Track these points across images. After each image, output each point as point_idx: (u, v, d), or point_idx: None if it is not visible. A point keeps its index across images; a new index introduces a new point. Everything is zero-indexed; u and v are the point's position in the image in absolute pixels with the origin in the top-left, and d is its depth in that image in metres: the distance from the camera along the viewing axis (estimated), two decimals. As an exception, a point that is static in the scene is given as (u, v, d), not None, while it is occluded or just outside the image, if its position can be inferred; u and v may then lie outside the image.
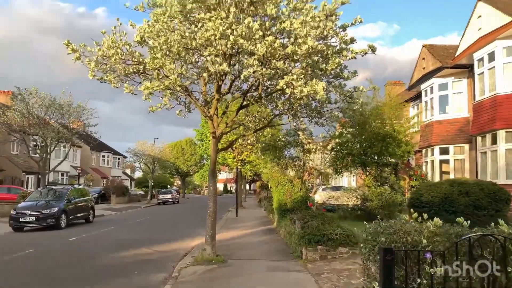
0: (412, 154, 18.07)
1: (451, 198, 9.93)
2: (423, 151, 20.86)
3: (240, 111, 10.62)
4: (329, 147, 13.48)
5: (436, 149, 19.59)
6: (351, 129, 16.18)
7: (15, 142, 28.23)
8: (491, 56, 15.21)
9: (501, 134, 14.48)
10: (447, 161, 19.54)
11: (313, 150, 10.25)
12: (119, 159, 58.97)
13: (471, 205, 9.85)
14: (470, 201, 9.87)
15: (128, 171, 72.08)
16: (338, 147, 16.25)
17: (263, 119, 11.10)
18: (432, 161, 20.07)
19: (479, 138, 16.10)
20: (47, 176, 38.97)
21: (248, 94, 9.77)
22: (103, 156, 54.90)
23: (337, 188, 26.76)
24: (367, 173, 16.66)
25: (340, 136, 15.62)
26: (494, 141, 14.89)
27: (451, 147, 19.28)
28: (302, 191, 15.87)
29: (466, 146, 18.73)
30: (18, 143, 28.13)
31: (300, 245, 9.78)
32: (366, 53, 8.81)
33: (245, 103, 9.53)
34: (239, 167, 29.00)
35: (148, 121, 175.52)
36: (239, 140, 29.33)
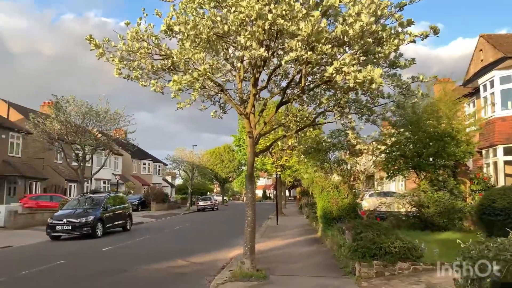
0: (474, 154, 16.20)
1: (536, 204, 8.33)
2: (484, 152, 18.75)
3: (279, 109, 9.56)
4: (379, 149, 12.03)
5: (500, 149, 17.49)
6: (403, 129, 14.62)
7: (56, 151, 28.55)
8: None
9: None
10: (512, 163, 17.41)
11: (365, 151, 8.91)
12: (159, 166, 59.50)
13: None
14: None
15: (169, 178, 72.84)
16: (390, 149, 14.73)
17: (305, 118, 9.94)
18: (495, 163, 17.96)
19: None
20: (89, 184, 39.68)
21: (288, 91, 8.66)
22: (144, 164, 55.52)
23: (385, 194, 24.96)
24: (422, 177, 15.01)
25: (396, 135, 14.07)
26: None
27: (518, 146, 17.14)
28: (350, 197, 14.48)
29: (537, 145, 16.59)
30: (58, 152, 28.43)
31: (352, 259, 8.48)
32: (427, 36, 7.49)
33: (284, 99, 8.41)
34: (278, 172, 27.84)
35: (188, 129, 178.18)
36: (279, 142, 28.27)
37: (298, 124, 9.80)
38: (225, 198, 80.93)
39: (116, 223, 18.57)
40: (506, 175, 17.64)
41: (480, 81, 19.04)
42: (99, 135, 25.62)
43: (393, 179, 17.57)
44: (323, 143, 13.31)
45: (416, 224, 14.46)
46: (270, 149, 29.36)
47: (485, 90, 18.88)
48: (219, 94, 9.00)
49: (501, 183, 17.05)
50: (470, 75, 19.68)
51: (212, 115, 9.52)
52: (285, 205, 42.47)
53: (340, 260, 9.84)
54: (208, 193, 66.26)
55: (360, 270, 8.11)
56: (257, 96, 8.25)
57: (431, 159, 14.51)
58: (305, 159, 16.11)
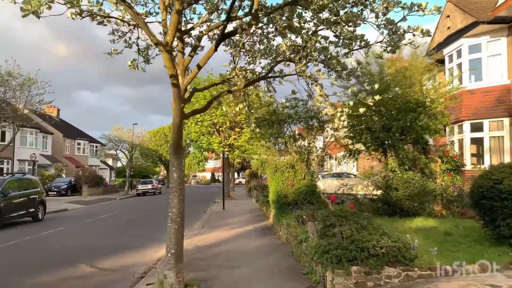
0: (450, 127, 14.44)
1: (553, 185, 6.33)
2: (447, 128, 17.19)
3: (224, 44, 6.78)
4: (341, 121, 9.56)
5: (467, 125, 15.98)
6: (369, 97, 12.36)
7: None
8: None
9: None
10: (479, 140, 15.96)
11: (338, 114, 6.40)
12: (96, 147, 54.38)
13: None
14: None
15: (109, 161, 67.60)
16: (355, 120, 12.48)
17: (258, 74, 7.26)
18: (461, 140, 16.48)
19: (533, 107, 12.52)
20: (9, 165, 34.70)
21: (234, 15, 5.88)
22: (79, 144, 50.23)
23: (338, 175, 23.13)
24: (391, 154, 12.96)
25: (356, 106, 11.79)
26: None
27: (485, 122, 15.67)
28: (307, 178, 12.13)
29: (506, 120, 15.15)
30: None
31: (321, 264, 6.04)
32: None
33: (228, 31, 5.63)
34: (226, 152, 25.16)
35: (136, 110, 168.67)
36: (227, 119, 25.45)
37: (247, 79, 7.13)
38: (168, 181, 77.31)
39: (21, 212, 14.97)
40: (471, 154, 16.25)
41: (446, 51, 17.38)
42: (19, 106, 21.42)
43: (346, 159, 15.45)
44: (281, 110, 10.72)
45: (382, 209, 12.45)
46: (218, 127, 26.63)
47: (451, 60, 17.26)
48: (135, 31, 6.12)
49: (467, 162, 15.59)
50: (435, 44, 17.92)
51: (130, 66, 6.63)
52: (233, 188, 40.07)
53: (302, 261, 7.40)
54: (155, 176, 62.39)
55: (333, 280, 5.69)
56: (183, 8, 5.36)
57: (403, 134, 12.46)
58: (257, 134, 13.49)
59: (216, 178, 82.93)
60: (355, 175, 23.47)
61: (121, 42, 6.39)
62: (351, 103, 6.71)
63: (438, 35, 18.43)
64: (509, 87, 15.11)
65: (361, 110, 6.61)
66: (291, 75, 6.73)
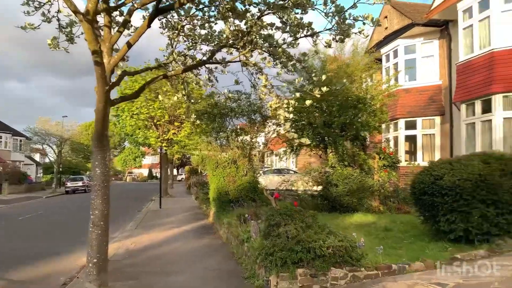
0: (388, 124, 14.74)
1: (490, 181, 6.42)
2: (383, 125, 17.67)
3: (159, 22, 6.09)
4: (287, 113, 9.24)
5: (401, 123, 16.52)
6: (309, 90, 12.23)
7: None
8: (485, 3, 12.09)
9: (498, 99, 11.48)
10: (413, 137, 16.57)
11: (284, 106, 6.00)
12: (21, 141, 49.95)
13: (518, 192, 6.46)
14: (519, 187, 6.47)
15: (36, 156, 62.58)
16: (295, 117, 12.26)
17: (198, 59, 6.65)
18: (396, 137, 17.01)
19: (463, 107, 13.10)
20: None
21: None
22: (0, 138, 45.83)
23: (279, 171, 23.10)
24: (331, 150, 12.95)
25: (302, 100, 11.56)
26: (488, 109, 11.88)
27: (419, 120, 16.30)
28: (250, 174, 11.72)
29: (438, 119, 15.86)
30: None
31: (265, 267, 5.61)
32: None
33: (162, 6, 4.97)
34: (164, 147, 24.05)
35: (68, 103, 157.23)
36: (165, 113, 24.28)
37: (186, 65, 6.50)
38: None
39: None
40: (405, 151, 16.82)
41: (383, 50, 17.84)
42: None
43: (288, 155, 15.30)
44: (223, 102, 10.14)
45: (322, 205, 12.42)
46: (155, 121, 25.35)
47: (388, 60, 17.75)
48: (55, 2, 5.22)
49: (402, 159, 16.11)
50: (373, 43, 18.35)
51: (50, 45, 5.68)
52: (172, 185, 38.80)
53: (244, 264, 6.93)
54: (88, 172, 58.74)
55: (278, 284, 5.28)
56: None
57: (344, 130, 12.47)
58: (197, 128, 12.83)
59: (154, 174, 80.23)
60: (295, 171, 23.58)
61: (39, 16, 5.45)
62: (297, 94, 6.33)
63: (376, 34, 18.90)
64: (440, 87, 15.82)
65: (308, 102, 6.25)
66: (234, 62, 6.21)
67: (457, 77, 13.46)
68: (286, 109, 6.18)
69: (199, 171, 33.60)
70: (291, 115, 6.27)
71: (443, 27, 15.37)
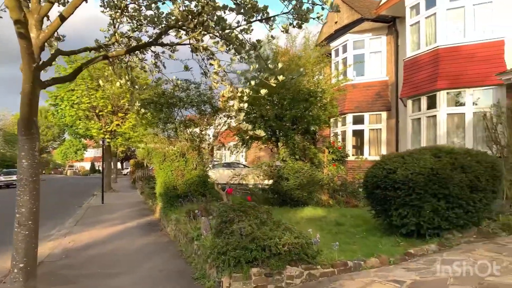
0: (338, 118, 14.83)
1: (442, 175, 6.49)
2: (332, 120, 17.89)
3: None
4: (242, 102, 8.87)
5: (350, 118, 16.77)
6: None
7: None
8: (432, 1, 12.43)
9: (442, 95, 11.89)
10: (360, 132, 16.89)
11: (235, 97, 5.62)
12: None
13: (467, 186, 6.57)
14: (468, 180, 6.58)
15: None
16: (247, 109, 11.95)
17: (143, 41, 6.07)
18: (344, 132, 17.26)
19: (409, 102, 13.47)
20: None
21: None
22: None
23: (229, 165, 22.76)
24: (282, 144, 12.79)
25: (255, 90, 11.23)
26: (433, 104, 12.28)
27: (366, 115, 16.64)
28: (200, 168, 11.25)
29: (384, 114, 16.27)
30: None
31: (216, 267, 5.24)
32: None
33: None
34: (107, 139, 22.76)
35: (5, 90, 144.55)
36: (108, 103, 22.93)
37: (129, 46, 5.92)
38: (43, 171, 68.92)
39: None
40: (352, 145, 17.12)
41: (333, 44, 17.99)
42: None
43: (238, 148, 14.98)
44: (171, 90, 9.53)
45: (272, 200, 12.26)
46: (97, 111, 23.87)
47: (337, 54, 17.92)
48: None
49: (349, 153, 16.38)
50: (323, 37, 18.44)
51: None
52: (116, 179, 37.13)
53: (193, 263, 6.51)
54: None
55: (231, 286, 4.93)
56: None
57: (296, 123, 12.34)
58: (142, 118, 12.10)
59: (97, 168, 76.60)
60: (245, 165, 23.34)
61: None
62: (252, 83, 5.98)
63: (326, 28, 19.01)
64: (387, 83, 16.22)
65: (263, 91, 5.92)
66: (183, 45, 5.73)
67: (404, 73, 13.81)
68: (240, 99, 5.81)
69: (145, 165, 32.34)
70: (246, 105, 5.90)
71: (391, 23, 15.72)
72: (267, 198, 12.42)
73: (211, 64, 6.05)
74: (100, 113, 23.94)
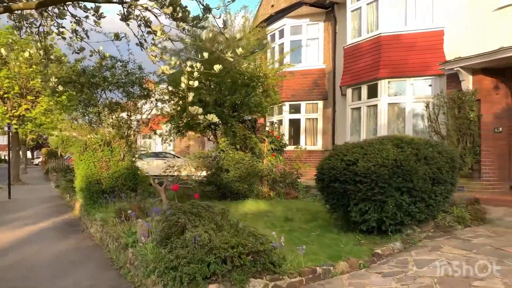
0: (279, 105, 14.17)
1: (406, 167, 6.07)
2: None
3: None
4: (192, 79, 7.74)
5: (286, 106, 16.30)
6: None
7: None
8: (374, -13, 12.24)
9: (384, 84, 11.79)
10: (296, 121, 16.53)
11: (187, 70, 4.54)
12: None
13: (429, 178, 6.25)
14: (431, 172, 6.26)
15: None
16: (181, 94, 10.76)
17: None
18: (280, 121, 16.80)
19: (349, 91, 13.28)
20: None
21: None
22: None
23: (157, 155, 21.22)
24: (221, 132, 11.84)
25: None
26: (374, 93, 12.15)
27: (303, 104, 16.31)
28: (128, 158, 9.91)
29: (320, 103, 16.05)
30: None
31: (164, 285, 4.22)
32: None
33: None
34: (13, 125, 19.86)
35: None
36: (15, 84, 19.99)
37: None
38: None
39: None
40: (289, 136, 16.70)
41: (270, 28, 17.31)
42: None
43: (171, 136, 13.71)
44: (94, 68, 8.05)
45: (211, 193, 11.33)
46: (1, 93, 20.69)
47: (274, 40, 17.31)
48: None
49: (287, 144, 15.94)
50: (259, 20, 17.67)
51: None
52: (25, 170, 33.34)
53: (129, 275, 5.38)
54: None
55: (183, 308, 3.96)
56: None
57: (236, 110, 11.44)
58: (57, 103, 10.36)
59: (3, 157, 68.67)
60: (174, 155, 21.98)
61: None
62: (205, 55, 4.93)
63: (261, 11, 18.28)
64: (324, 71, 15.99)
65: (217, 67, 4.91)
66: (114, 2, 4.54)
67: (344, 61, 13.57)
68: (190, 75, 4.75)
69: (59, 154, 29.32)
70: (196, 83, 4.83)
71: (329, 9, 15.42)
72: (204, 191, 11.43)
73: (149, 33, 4.92)
74: (5, 96, 20.82)
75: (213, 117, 4.71)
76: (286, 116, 16.54)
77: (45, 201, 14.52)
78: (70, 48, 5.34)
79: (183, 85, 4.82)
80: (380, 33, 11.90)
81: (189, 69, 4.73)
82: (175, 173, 12.09)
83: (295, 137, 16.61)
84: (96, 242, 7.82)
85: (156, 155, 21.07)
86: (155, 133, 12.11)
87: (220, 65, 4.68)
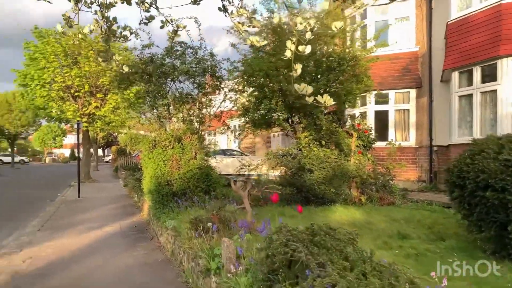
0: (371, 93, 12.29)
1: None
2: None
3: None
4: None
5: (371, 96, 14.24)
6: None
7: None
8: None
9: (506, 64, 9.44)
10: (382, 113, 14.44)
11: (294, 31, 3.06)
12: None
13: None
14: None
15: None
16: (260, 81, 9.34)
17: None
18: (364, 113, 14.78)
19: (455, 75, 11.01)
20: None
21: None
22: None
23: (224, 152, 20.03)
24: (304, 126, 10.22)
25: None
26: (491, 76, 9.84)
27: (391, 94, 14.17)
28: (200, 157, 8.61)
29: (413, 92, 13.82)
30: None
31: None
32: None
33: None
34: (84, 123, 19.81)
35: None
36: (85, 83, 19.99)
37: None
38: (24, 158, 64.91)
39: None
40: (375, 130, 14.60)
41: (351, 9, 15.33)
42: None
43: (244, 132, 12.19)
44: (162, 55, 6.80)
45: (290, 196, 9.76)
46: (73, 92, 20.82)
47: (353, 22, 15.27)
48: None
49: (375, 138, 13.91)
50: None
51: None
52: (97, 168, 34.21)
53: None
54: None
55: None
56: None
57: (317, 99, 9.73)
58: (123, 94, 9.36)
59: (77, 155, 73.00)
60: (242, 153, 20.72)
61: None
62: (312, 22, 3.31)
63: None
64: (417, 55, 13.76)
65: (338, 25, 3.25)
66: None
67: (448, 39, 11.32)
68: (301, 38, 3.14)
69: (128, 152, 29.57)
70: (309, 48, 3.16)
71: (421, -16, 13.20)
72: (285, 195, 9.85)
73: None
74: (76, 94, 20.89)
75: (326, 99, 2.99)
76: (371, 108, 14.48)
77: (113, 201, 13.90)
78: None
79: (288, 53, 3.15)
80: (500, 0, 9.54)
81: (300, 26, 3.05)
82: (250, 172, 10.64)
83: (381, 132, 14.50)
84: (167, 256, 6.58)
85: (224, 152, 19.91)
86: (228, 128, 10.76)
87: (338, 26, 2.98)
